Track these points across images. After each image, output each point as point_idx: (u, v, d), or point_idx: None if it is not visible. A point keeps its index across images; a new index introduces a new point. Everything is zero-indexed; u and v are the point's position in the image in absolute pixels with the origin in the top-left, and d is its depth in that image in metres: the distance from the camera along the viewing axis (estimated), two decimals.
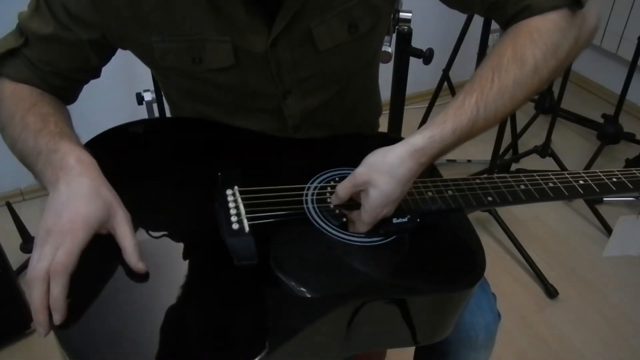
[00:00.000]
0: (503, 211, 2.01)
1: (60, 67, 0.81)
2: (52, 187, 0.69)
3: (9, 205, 1.71)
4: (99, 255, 0.66)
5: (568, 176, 0.82)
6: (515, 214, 2.03)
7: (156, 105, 1.60)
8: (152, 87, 1.57)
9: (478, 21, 2.10)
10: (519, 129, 2.22)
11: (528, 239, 1.87)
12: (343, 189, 0.74)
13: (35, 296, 0.61)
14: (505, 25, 0.80)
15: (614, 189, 0.80)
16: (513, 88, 0.73)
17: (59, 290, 0.61)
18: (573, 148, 2.38)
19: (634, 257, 1.86)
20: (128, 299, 0.65)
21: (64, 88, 0.84)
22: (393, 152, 0.71)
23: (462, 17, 2.08)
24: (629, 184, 0.81)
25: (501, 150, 2.01)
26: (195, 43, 0.78)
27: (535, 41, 0.74)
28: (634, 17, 2.39)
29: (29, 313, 1.54)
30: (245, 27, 0.77)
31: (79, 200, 0.66)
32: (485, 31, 2.17)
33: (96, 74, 0.87)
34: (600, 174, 0.82)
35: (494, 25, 2.16)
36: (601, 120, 2.26)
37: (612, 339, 1.60)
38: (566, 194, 0.80)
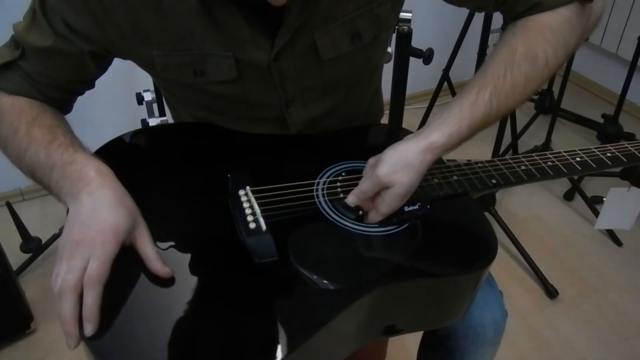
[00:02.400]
0: (503, 211, 2.01)
1: (58, 79, 0.80)
2: (73, 199, 0.68)
3: (9, 205, 1.71)
4: (120, 263, 0.66)
5: (565, 154, 0.85)
6: (515, 214, 2.03)
7: (156, 105, 1.60)
8: (152, 87, 1.57)
9: (478, 21, 2.09)
10: (519, 129, 2.22)
11: (528, 239, 1.87)
12: (369, 191, 0.75)
13: (66, 308, 0.61)
14: (514, 19, 0.81)
15: (610, 163, 0.83)
16: (524, 84, 0.75)
17: (93, 301, 0.61)
18: (573, 148, 2.38)
19: (634, 258, 1.86)
20: (153, 304, 0.65)
21: (61, 100, 0.83)
22: (414, 150, 0.73)
23: (462, 17, 2.08)
24: (623, 158, 0.84)
25: (501, 150, 2.01)
26: (196, 57, 0.78)
27: (547, 39, 0.75)
28: (634, 17, 2.39)
29: (29, 313, 1.55)
30: (248, 41, 0.76)
31: (105, 211, 0.66)
32: (485, 31, 2.17)
33: (92, 85, 0.86)
34: (595, 150, 0.85)
35: (494, 25, 2.15)
36: (601, 120, 2.26)
37: (612, 339, 1.60)
38: (565, 171, 0.82)
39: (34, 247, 1.79)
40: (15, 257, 1.73)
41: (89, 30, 0.75)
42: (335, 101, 0.89)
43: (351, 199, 0.77)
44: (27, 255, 1.78)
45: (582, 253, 1.88)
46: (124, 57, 0.82)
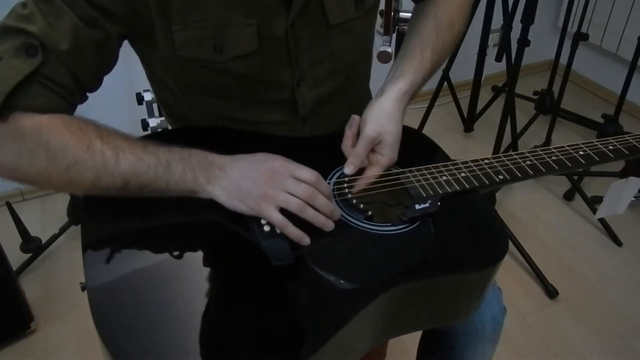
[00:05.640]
0: (503, 211, 2.01)
1: (83, 75, 0.74)
2: (220, 175, 0.74)
3: (9, 205, 1.71)
4: (133, 270, 0.67)
5: (568, 148, 0.86)
6: (515, 214, 2.03)
7: (156, 105, 1.61)
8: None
9: (478, 21, 2.10)
10: (519, 129, 2.22)
11: (528, 239, 1.87)
12: (362, 152, 0.81)
13: (314, 213, 0.72)
14: None
15: (612, 156, 0.85)
16: (449, 47, 0.94)
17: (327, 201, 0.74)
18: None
19: (634, 257, 1.86)
20: (171, 309, 0.65)
21: (74, 107, 0.77)
22: (388, 101, 0.84)
23: None
24: (625, 150, 0.86)
25: (501, 150, 2.01)
26: (218, 29, 0.77)
27: (460, 13, 0.94)
28: (634, 17, 2.39)
29: (29, 313, 1.55)
30: (268, 9, 0.78)
31: (261, 157, 0.76)
32: (485, 31, 2.17)
33: (99, 85, 0.80)
34: (597, 144, 0.87)
35: (494, 25, 2.16)
36: (601, 120, 2.27)
37: (612, 338, 1.61)
38: (569, 165, 0.84)
39: (34, 247, 1.79)
40: (15, 257, 1.73)
41: (117, 8, 0.72)
42: (338, 83, 0.92)
43: (349, 168, 0.80)
44: (27, 255, 1.78)
45: (582, 253, 1.89)
46: (145, 37, 0.79)
